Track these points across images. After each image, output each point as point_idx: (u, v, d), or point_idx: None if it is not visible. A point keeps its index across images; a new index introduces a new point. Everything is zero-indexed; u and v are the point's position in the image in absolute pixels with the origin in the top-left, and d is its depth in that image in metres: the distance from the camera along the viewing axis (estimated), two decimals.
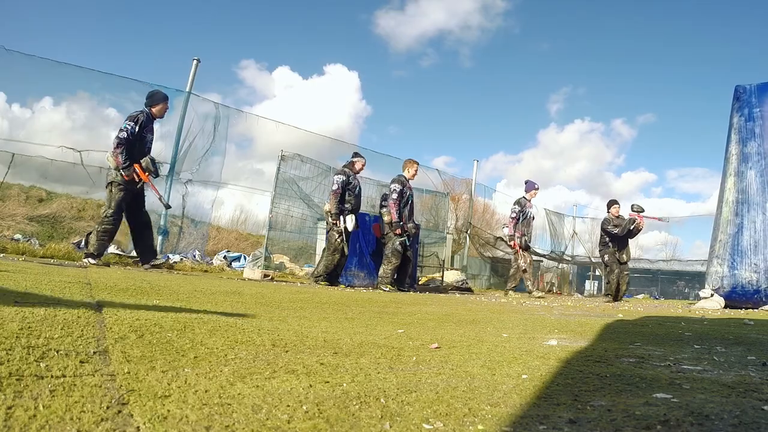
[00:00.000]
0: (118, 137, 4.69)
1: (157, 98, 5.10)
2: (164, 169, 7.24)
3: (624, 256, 7.94)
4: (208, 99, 7.75)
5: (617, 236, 7.75)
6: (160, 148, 7.29)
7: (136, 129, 4.74)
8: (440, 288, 7.95)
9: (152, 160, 4.83)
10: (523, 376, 1.00)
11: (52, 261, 4.92)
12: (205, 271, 6.25)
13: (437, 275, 8.94)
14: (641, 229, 7.75)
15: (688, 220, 16.50)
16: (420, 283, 8.24)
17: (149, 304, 1.83)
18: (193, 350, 1.04)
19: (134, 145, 4.73)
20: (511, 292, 7.72)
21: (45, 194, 10.53)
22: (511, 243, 7.92)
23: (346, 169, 6.15)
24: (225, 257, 8.47)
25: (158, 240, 7.17)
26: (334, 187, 5.99)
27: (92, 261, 4.66)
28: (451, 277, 9.07)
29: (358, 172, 6.24)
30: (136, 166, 4.72)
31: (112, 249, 6.66)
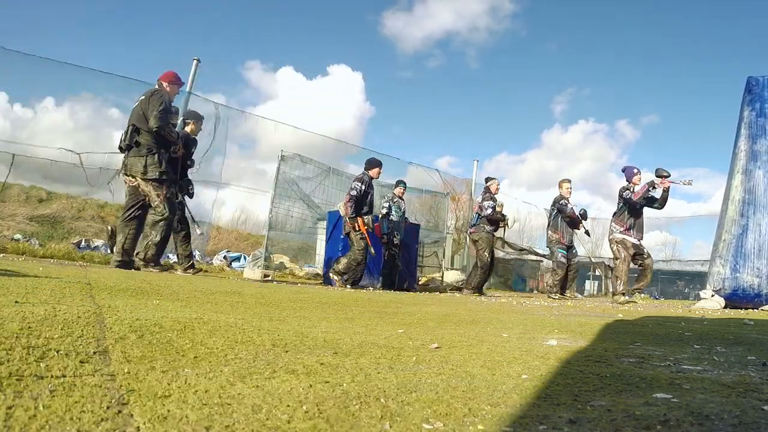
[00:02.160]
0: (350, 194, 6.18)
1: (374, 164, 6.47)
2: None
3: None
4: (208, 99, 7.75)
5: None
6: None
7: (363, 188, 6.16)
8: (440, 288, 7.95)
9: (373, 220, 6.34)
10: (523, 376, 1.00)
11: (51, 261, 4.93)
12: (205, 271, 6.24)
13: (437, 275, 8.95)
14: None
15: (688, 220, 16.48)
16: (420, 283, 8.24)
17: (149, 304, 1.83)
18: (193, 350, 1.04)
19: (361, 201, 6.17)
20: (636, 294, 6.84)
21: (45, 194, 10.54)
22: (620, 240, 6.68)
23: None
24: (225, 257, 8.48)
25: None
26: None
27: (350, 288, 5.78)
28: (451, 277, 9.07)
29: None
30: (359, 219, 6.18)
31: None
